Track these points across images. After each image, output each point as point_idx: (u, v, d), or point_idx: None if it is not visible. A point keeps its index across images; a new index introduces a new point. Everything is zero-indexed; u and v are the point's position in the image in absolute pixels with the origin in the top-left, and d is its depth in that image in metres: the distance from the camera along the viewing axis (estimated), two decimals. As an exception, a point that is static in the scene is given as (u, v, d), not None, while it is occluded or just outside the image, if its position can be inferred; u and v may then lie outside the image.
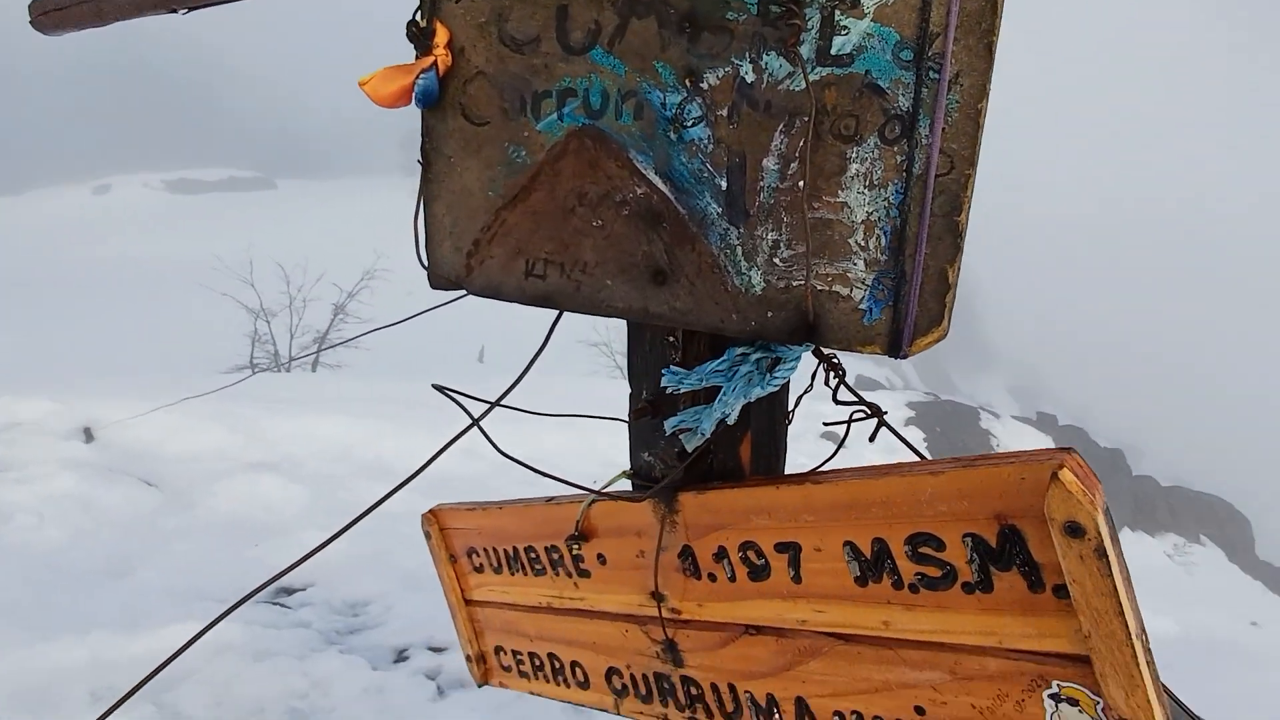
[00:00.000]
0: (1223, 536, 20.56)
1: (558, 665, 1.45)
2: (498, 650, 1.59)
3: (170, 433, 7.47)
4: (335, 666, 3.81)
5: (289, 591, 4.83)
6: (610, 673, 1.33)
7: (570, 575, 1.33)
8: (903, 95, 0.81)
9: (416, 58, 1.01)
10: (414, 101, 1.00)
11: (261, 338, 16.56)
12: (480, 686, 1.61)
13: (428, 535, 1.64)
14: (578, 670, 1.40)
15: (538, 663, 1.50)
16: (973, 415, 18.81)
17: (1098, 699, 0.76)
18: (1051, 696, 0.80)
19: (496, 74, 0.99)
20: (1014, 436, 19.31)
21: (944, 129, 0.79)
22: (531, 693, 1.55)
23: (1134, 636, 0.72)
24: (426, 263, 1.09)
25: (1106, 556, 0.71)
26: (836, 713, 1.01)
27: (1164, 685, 0.77)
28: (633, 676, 1.29)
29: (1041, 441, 19.68)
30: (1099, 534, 0.70)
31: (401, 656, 4.10)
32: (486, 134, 1.02)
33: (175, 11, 1.21)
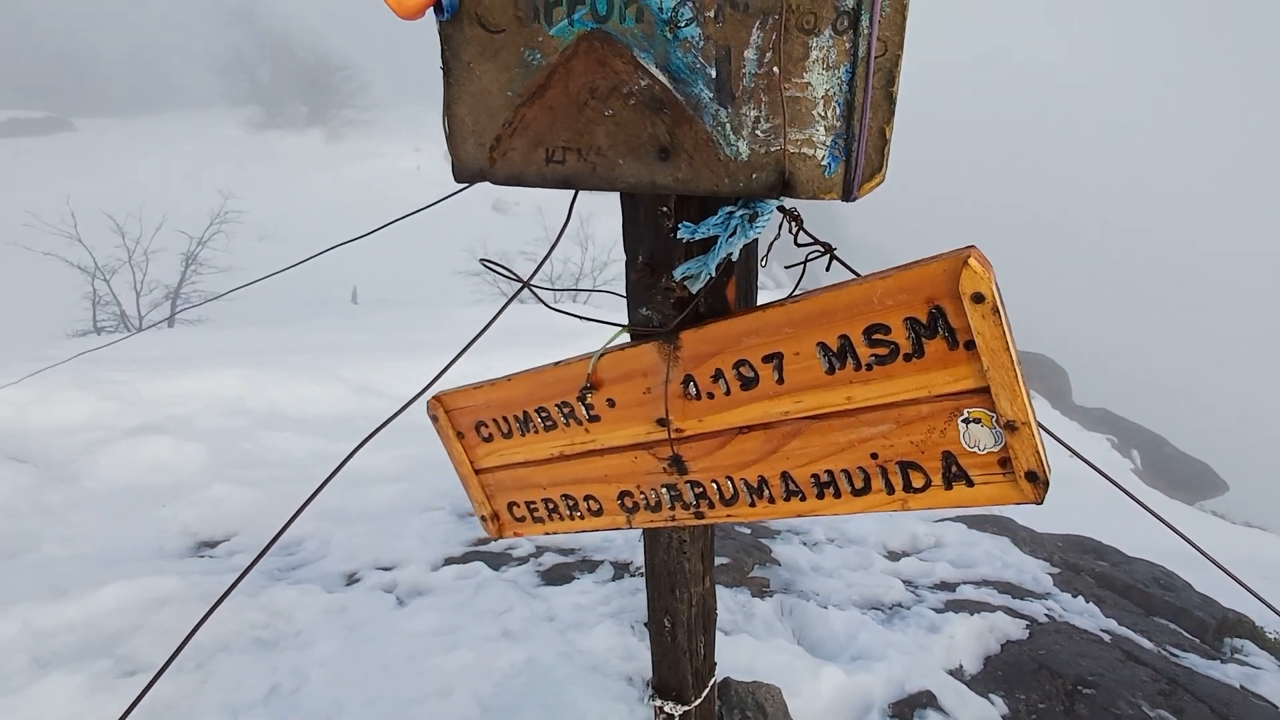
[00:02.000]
0: (1047, 389, 23.86)
1: (571, 502, 1.73)
2: (510, 506, 1.85)
3: (28, 407, 6.87)
4: (290, 596, 3.92)
5: (210, 544, 4.80)
6: (622, 495, 1.64)
7: (581, 423, 1.61)
8: (848, -4, 1.08)
9: (434, -27, 1.16)
10: (438, 13, 1.15)
11: (102, 298, 14.94)
12: (496, 539, 1.86)
13: (434, 419, 1.85)
14: (590, 501, 1.70)
15: (551, 506, 1.78)
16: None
17: (994, 414, 1.14)
18: (963, 420, 1.17)
19: (510, -15, 1.16)
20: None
21: (879, 21, 1.08)
22: (545, 533, 1.83)
23: (1015, 364, 1.10)
24: (452, 159, 1.27)
25: (999, 313, 1.07)
26: (813, 475, 1.37)
27: (1031, 402, 1.17)
28: (643, 493, 1.60)
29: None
30: (995, 298, 1.06)
31: (353, 579, 4.25)
32: (502, 40, 1.19)
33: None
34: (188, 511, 5.15)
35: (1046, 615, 4.30)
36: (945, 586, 4.74)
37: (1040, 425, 1.19)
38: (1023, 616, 4.22)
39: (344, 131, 54.63)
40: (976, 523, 6.15)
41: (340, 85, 56.17)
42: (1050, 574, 5.20)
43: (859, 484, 1.31)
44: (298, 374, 8.88)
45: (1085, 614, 4.43)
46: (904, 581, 4.68)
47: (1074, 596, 4.67)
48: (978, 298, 1.06)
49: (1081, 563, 5.71)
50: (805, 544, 5.21)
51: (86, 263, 14.52)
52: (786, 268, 1.38)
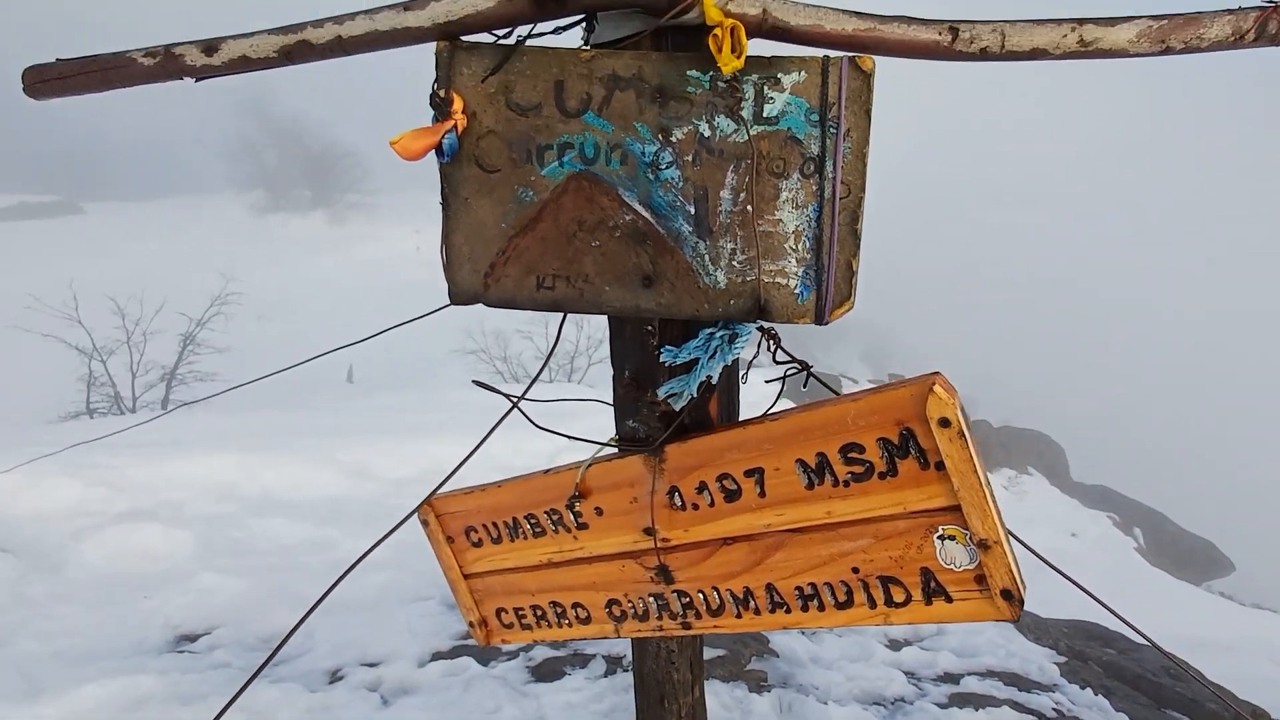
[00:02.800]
0: (1044, 465, 23.74)
1: (560, 610, 1.73)
2: (499, 612, 1.85)
3: (16, 493, 6.79)
4: (272, 695, 3.79)
5: (190, 639, 4.67)
6: (610, 604, 1.64)
7: (570, 530, 1.63)
8: (814, 144, 1.19)
9: (434, 121, 1.27)
10: (440, 155, 1.26)
11: (98, 379, 14.96)
12: (484, 647, 1.85)
13: (425, 523, 1.86)
14: (578, 609, 1.70)
15: (540, 613, 1.77)
16: (835, 383, 20.51)
17: (967, 531, 1.18)
18: (939, 537, 1.21)
19: (505, 132, 1.27)
20: (871, 400, 21.21)
21: (842, 166, 1.18)
22: (534, 641, 1.82)
23: (984, 485, 1.14)
24: (449, 284, 1.35)
25: (965, 437, 1.12)
26: (797, 588, 1.39)
27: (1006, 527, 1.20)
28: (630, 602, 1.61)
29: (894, 402, 21.70)
30: (960, 423, 1.12)
31: (337, 676, 4.13)
32: (498, 179, 1.29)
33: (182, 79, 1.37)
34: (172, 603, 5.02)
35: (1055, 710, 4.16)
36: (949, 678, 4.60)
37: (1011, 534, 1.23)
38: (1030, 711, 4.09)
39: (347, 215, 56.21)
40: (978, 610, 6.00)
41: (345, 171, 58.21)
42: (1057, 663, 5.06)
43: (842, 597, 1.33)
44: (291, 458, 8.82)
45: (1095, 708, 4.29)
46: (906, 673, 4.55)
47: (1082, 688, 4.53)
48: (944, 422, 1.12)
49: (1088, 650, 5.57)
50: (804, 633, 5.08)
51: (85, 344, 14.63)
52: (767, 382, 1.45)
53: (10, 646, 4.37)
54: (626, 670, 4.01)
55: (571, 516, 1.61)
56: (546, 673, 4.03)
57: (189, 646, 4.55)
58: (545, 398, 1.57)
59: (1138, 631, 1.44)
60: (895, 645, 5.18)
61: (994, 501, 1.15)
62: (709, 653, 4.15)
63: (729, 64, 1.12)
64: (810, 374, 1.38)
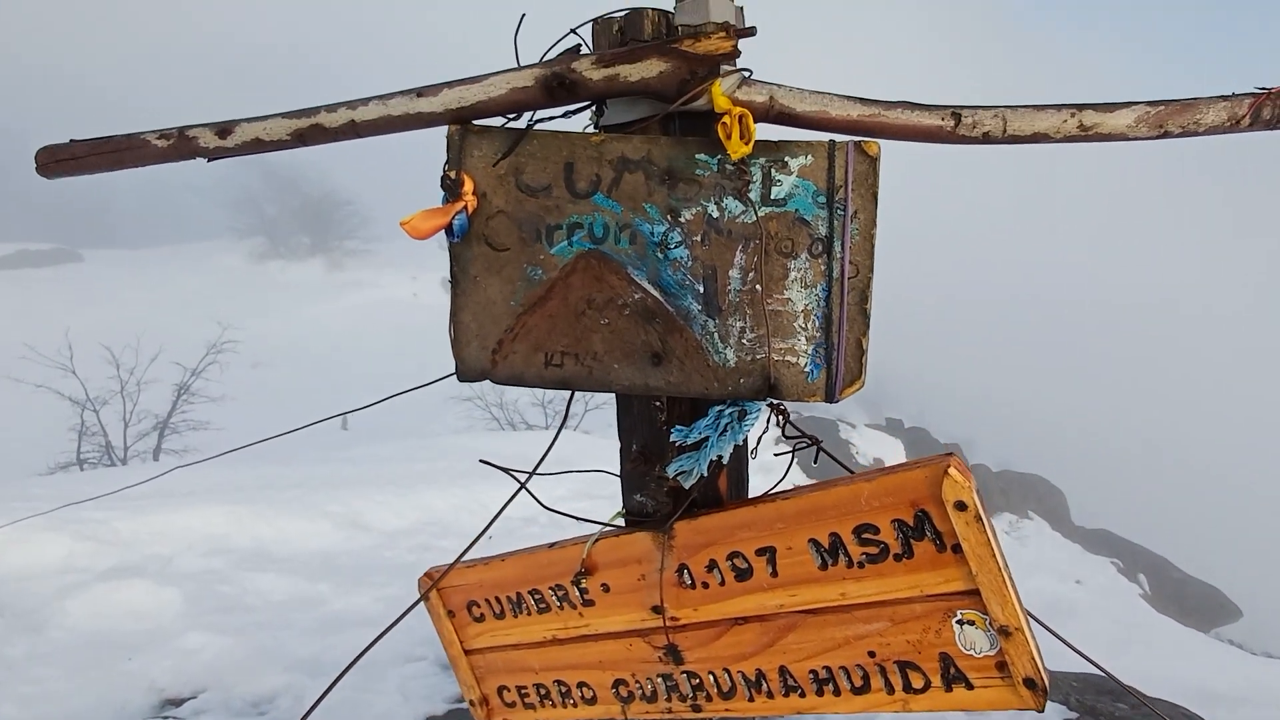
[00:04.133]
0: (1044, 509, 23.54)
1: (564, 689, 1.68)
2: (501, 690, 1.79)
3: (2, 550, 6.64)
4: (260, 764, 3.65)
5: (176, 702, 4.52)
6: (617, 684, 1.59)
7: (575, 607, 1.59)
8: (822, 225, 1.20)
9: (445, 201, 1.28)
10: (450, 235, 1.26)
11: (89, 429, 14.82)
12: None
13: (425, 597, 1.81)
14: (584, 689, 1.64)
15: (543, 692, 1.72)
16: (832, 427, 20.46)
17: (986, 616, 1.15)
18: (958, 621, 1.18)
19: (515, 212, 1.28)
20: (870, 443, 21.19)
21: (850, 247, 1.19)
22: (537, 721, 1.75)
23: (1003, 570, 1.12)
24: (456, 361, 1.34)
25: (982, 520, 1.11)
26: (811, 671, 1.34)
27: (1023, 605, 1.18)
28: (638, 682, 1.56)
29: (894, 445, 21.68)
30: (976, 507, 1.10)
31: (328, 744, 3.97)
32: (507, 258, 1.30)
33: (194, 159, 1.39)
34: (156, 665, 4.87)
35: (1068, 771, 4.03)
36: (958, 740, 4.46)
37: (1030, 615, 1.20)
38: (1043, 775, 3.95)
39: (345, 261, 56.65)
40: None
41: (344, 219, 58.88)
42: (1068, 718, 4.92)
43: (858, 682, 1.29)
44: (284, 509, 8.69)
45: (1108, 770, 4.15)
46: (914, 737, 4.41)
47: (1096, 751, 4.40)
48: (960, 505, 1.10)
49: (1100, 705, 5.42)
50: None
51: (78, 394, 14.54)
52: (776, 455, 1.43)
53: (-11, 713, 4.22)
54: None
55: (577, 593, 1.57)
56: (545, 740, 3.89)
57: (174, 712, 4.40)
58: (552, 472, 1.55)
59: (1138, 696, 1.39)
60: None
61: (1013, 586, 1.13)
62: None
63: (738, 150, 1.13)
64: (821, 449, 1.36)
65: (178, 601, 6.16)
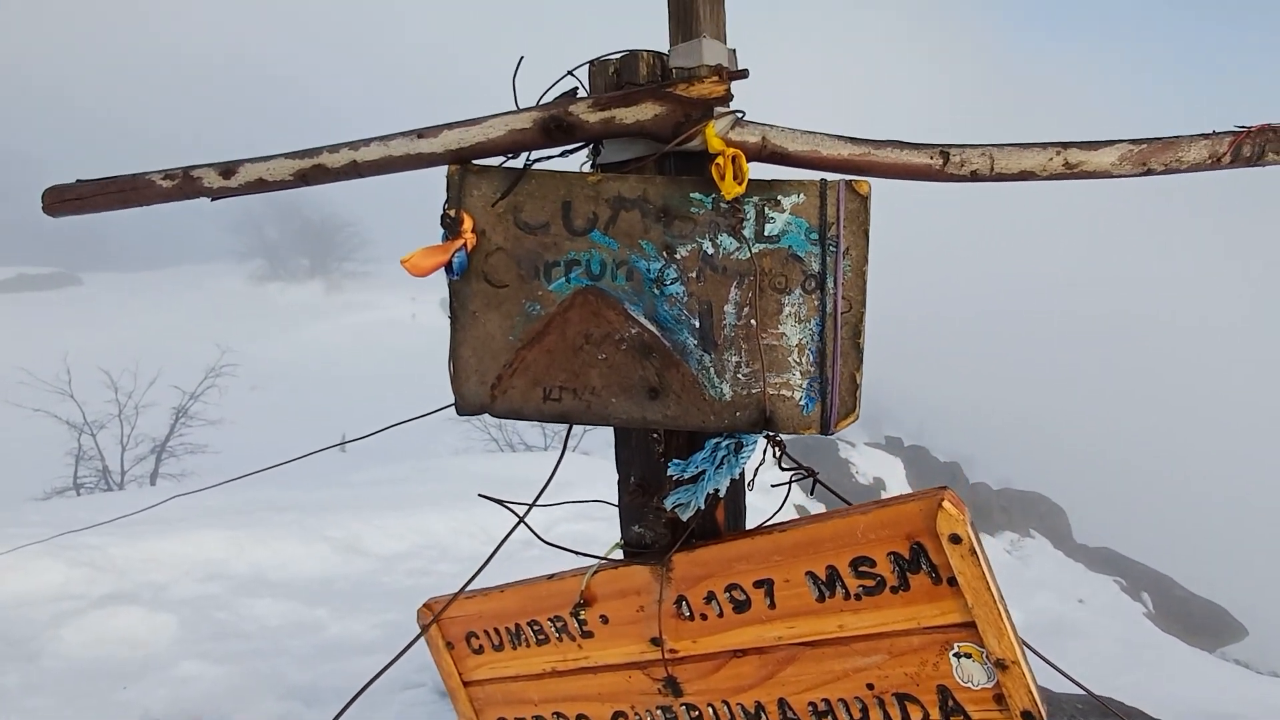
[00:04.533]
0: (1045, 527, 23.42)
1: (563, 721, 1.67)
2: (499, 722, 1.78)
3: (-5, 576, 6.59)
4: (255, 796, 3.60)
5: (170, 733, 4.47)
6: (616, 716, 1.58)
7: (574, 639, 1.59)
8: (814, 261, 1.22)
9: (445, 239, 1.30)
10: (450, 272, 1.28)
11: (86, 453, 14.75)
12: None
13: (424, 628, 1.81)
14: (583, 721, 1.64)
15: (542, 724, 1.71)
16: (831, 446, 20.41)
17: (983, 649, 1.16)
18: (955, 654, 1.18)
19: (513, 249, 1.31)
20: (869, 462, 21.12)
21: (843, 283, 1.21)
22: (536, 754, 1.74)
23: (999, 602, 1.13)
24: (455, 395, 1.35)
25: (977, 554, 1.12)
26: (810, 704, 1.34)
27: (1021, 638, 1.18)
28: (638, 715, 1.55)
29: (893, 464, 21.59)
30: (971, 539, 1.11)
31: (325, 774, 3.93)
32: (506, 294, 1.32)
33: (198, 198, 1.41)
34: (151, 694, 4.82)
35: (1074, 799, 3.98)
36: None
37: (1027, 646, 1.20)
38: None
39: (343, 283, 56.84)
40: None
41: (344, 241, 59.17)
42: (1073, 745, 4.87)
43: (857, 714, 1.29)
44: (282, 533, 8.63)
45: (1115, 795, 4.10)
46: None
47: (1101, 775, 4.34)
48: (955, 539, 1.11)
49: (1104, 731, 5.36)
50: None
51: (76, 418, 14.50)
52: (773, 486, 1.44)
53: (-23, 746, 4.18)
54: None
55: (576, 624, 1.57)
56: (544, 770, 3.84)
57: (168, 745, 4.34)
58: (552, 503, 1.55)
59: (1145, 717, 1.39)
60: None
61: (1009, 619, 1.13)
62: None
63: (731, 190, 1.16)
64: (817, 481, 1.37)
65: (173, 629, 6.11)
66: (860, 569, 1.22)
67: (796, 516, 1.31)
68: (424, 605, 1.82)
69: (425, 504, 10.13)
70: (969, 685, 1.17)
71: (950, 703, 1.20)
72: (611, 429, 1.48)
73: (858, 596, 1.24)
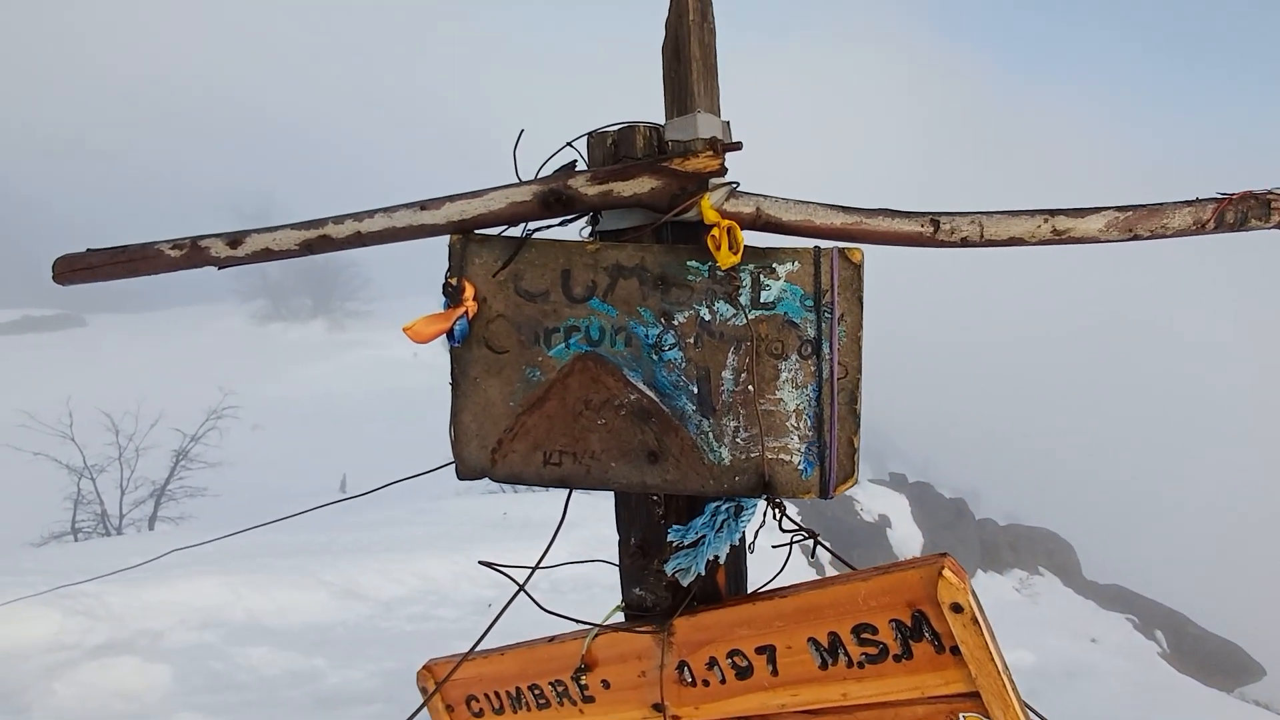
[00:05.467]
0: (1055, 564, 23.07)
1: (565, 789, 1.63)
2: (499, 789, 1.74)
3: (-13, 628, 6.50)
4: None
5: (168, 790, 4.37)
6: (618, 783, 1.55)
7: (575, 703, 1.56)
8: (810, 327, 1.24)
9: (446, 307, 1.33)
10: (450, 340, 1.31)
11: (85, 498, 14.66)
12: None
13: (424, 690, 1.79)
14: (585, 789, 1.60)
15: (544, 791, 1.67)
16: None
17: (987, 718, 1.14)
18: (962, 724, 1.17)
19: (514, 316, 1.33)
20: (874, 499, 20.94)
21: (838, 349, 1.23)
22: (537, 823, 1.70)
23: (1002, 673, 1.12)
24: (456, 460, 1.36)
25: (979, 623, 1.11)
26: (815, 772, 1.32)
27: (1025, 703, 1.17)
28: (640, 782, 1.52)
29: (898, 501, 21.39)
30: (972, 608, 1.11)
31: (322, 832, 3.83)
32: (506, 359, 1.34)
33: (205, 267, 1.44)
34: (143, 750, 4.72)
35: None
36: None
37: (1034, 712, 1.18)
38: None
39: (346, 322, 57.15)
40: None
41: (345, 280, 59.69)
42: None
43: (864, 785, 1.27)
44: (279, 579, 8.53)
45: None
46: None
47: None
48: (956, 608, 1.11)
49: (1123, 783, 5.21)
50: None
51: (76, 461, 14.47)
52: (774, 547, 1.44)
53: (-32, 805, 4.08)
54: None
55: (578, 689, 1.55)
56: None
57: (166, 803, 4.24)
58: (552, 564, 1.55)
59: None
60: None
61: (1014, 690, 1.12)
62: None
63: (727, 260, 1.19)
64: (818, 543, 1.37)
65: (167, 679, 6.01)
66: (863, 636, 1.21)
67: (798, 582, 1.30)
68: (424, 668, 1.80)
69: (425, 547, 10.02)
70: (976, 757, 1.15)
71: (958, 775, 1.17)
72: (613, 495, 1.49)
73: (861, 664, 1.23)
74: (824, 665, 1.26)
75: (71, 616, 7.00)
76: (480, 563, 1.46)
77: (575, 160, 1.33)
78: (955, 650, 1.14)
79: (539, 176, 1.29)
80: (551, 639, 1.59)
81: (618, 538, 1.51)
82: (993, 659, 1.10)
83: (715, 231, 1.19)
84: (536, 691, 1.62)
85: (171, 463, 15.70)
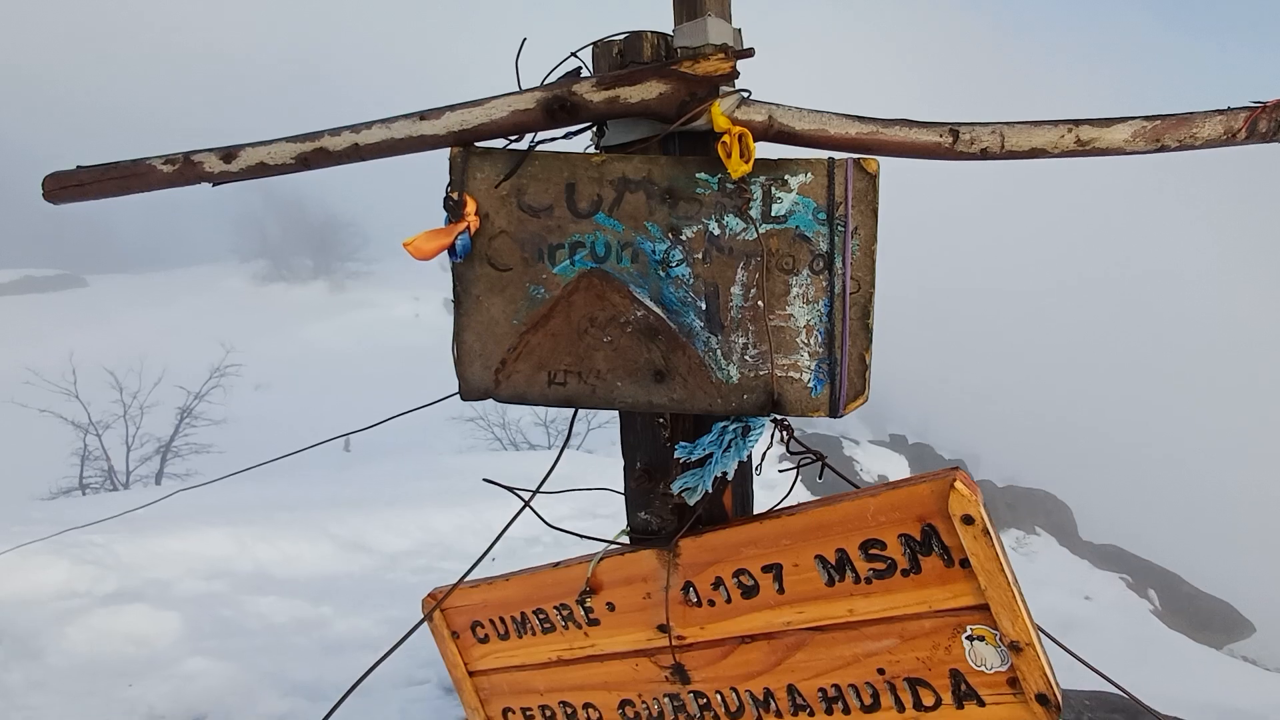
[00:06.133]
0: (1051, 524, 23.34)
1: (570, 711, 1.66)
2: (505, 712, 1.76)
3: (2, 575, 6.61)
4: (261, 792, 3.61)
5: (176, 730, 4.48)
6: (623, 704, 1.57)
7: (581, 626, 1.57)
8: (822, 241, 1.20)
9: (447, 222, 1.29)
10: (453, 255, 1.27)
11: (92, 454, 14.79)
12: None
13: (429, 617, 1.80)
14: (590, 710, 1.62)
15: (549, 713, 1.69)
16: (836, 444, 20.39)
17: (996, 631, 1.14)
18: (967, 637, 1.17)
19: (517, 232, 1.29)
20: (874, 459, 21.08)
21: (851, 263, 1.20)
22: (543, 744, 1.73)
23: (1012, 584, 1.11)
24: (459, 380, 1.34)
25: (990, 534, 1.10)
26: (820, 689, 1.33)
27: (1034, 620, 1.17)
28: (645, 703, 1.54)
29: (898, 461, 21.57)
30: (984, 520, 1.10)
31: (329, 769, 3.93)
32: (510, 277, 1.31)
33: (199, 184, 1.40)
34: (155, 690, 4.83)
35: (1082, 794, 3.96)
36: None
37: (1041, 630, 1.18)
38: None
39: (346, 283, 56.92)
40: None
41: (345, 240, 59.24)
42: (1081, 741, 4.85)
43: (868, 700, 1.28)
44: (286, 531, 8.65)
45: (1124, 791, 4.08)
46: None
47: (1109, 770, 4.32)
48: (967, 519, 1.10)
49: (1112, 726, 5.34)
50: None
51: (81, 418, 14.54)
52: (780, 471, 1.43)
53: (-18, 741, 4.19)
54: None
55: (583, 612, 1.56)
56: (550, 764, 3.84)
57: (175, 741, 4.35)
58: (557, 490, 1.54)
59: (1147, 708, 1.37)
60: None
61: (1023, 601, 1.12)
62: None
63: (738, 169, 1.14)
64: (825, 464, 1.36)
65: (177, 626, 6.12)
66: (870, 552, 1.21)
67: (805, 501, 1.29)
68: (429, 595, 1.81)
69: (429, 501, 10.13)
70: (982, 669, 1.16)
71: (963, 687, 1.18)
72: (617, 414, 1.47)
73: (868, 580, 1.22)
74: (830, 582, 1.26)
75: (81, 565, 7.11)
76: (485, 480, 1.45)
77: (580, 68, 1.28)
78: (964, 564, 1.13)
79: (544, 84, 1.24)
80: (556, 564, 1.59)
81: (623, 462, 1.49)
82: (1003, 570, 1.10)
83: (726, 138, 1.14)
84: (541, 616, 1.63)
85: (176, 419, 15.79)
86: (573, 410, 1.36)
